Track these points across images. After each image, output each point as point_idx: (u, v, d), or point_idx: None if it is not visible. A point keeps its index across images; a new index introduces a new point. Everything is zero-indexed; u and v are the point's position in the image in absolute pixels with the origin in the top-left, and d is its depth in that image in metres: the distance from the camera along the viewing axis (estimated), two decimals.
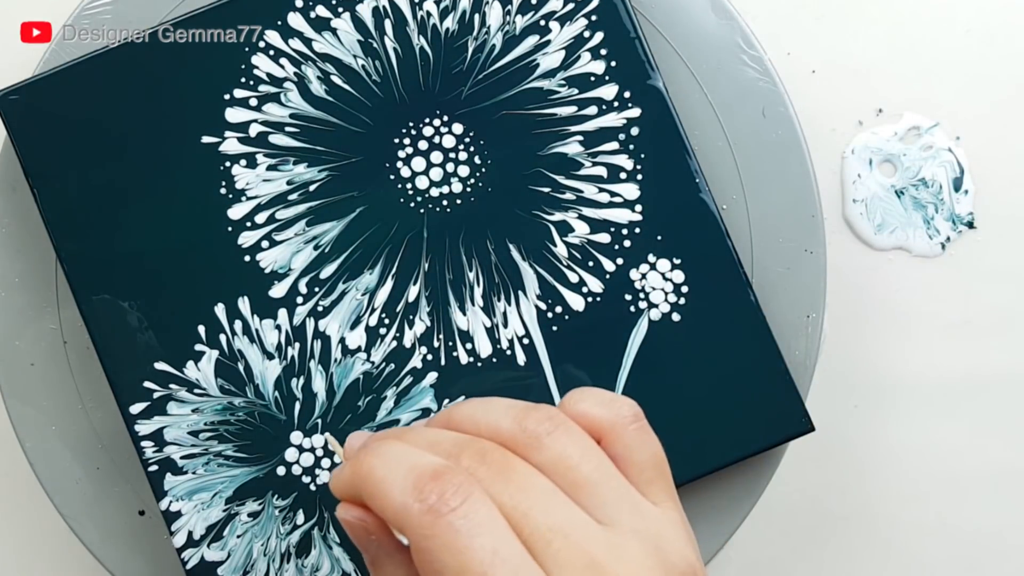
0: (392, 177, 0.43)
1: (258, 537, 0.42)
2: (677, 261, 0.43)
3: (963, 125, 0.49)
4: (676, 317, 0.43)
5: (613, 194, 0.43)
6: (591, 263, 0.43)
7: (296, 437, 0.42)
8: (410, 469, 0.28)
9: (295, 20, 0.43)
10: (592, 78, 0.43)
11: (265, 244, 0.43)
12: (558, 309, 0.43)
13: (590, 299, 0.43)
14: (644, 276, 0.43)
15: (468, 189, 0.43)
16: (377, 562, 0.30)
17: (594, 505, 0.28)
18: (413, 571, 0.28)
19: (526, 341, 0.43)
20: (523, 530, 0.27)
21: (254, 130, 0.43)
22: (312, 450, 0.42)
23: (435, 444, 0.29)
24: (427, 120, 0.43)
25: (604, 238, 0.43)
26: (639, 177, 0.43)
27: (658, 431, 0.42)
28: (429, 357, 0.42)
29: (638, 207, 0.43)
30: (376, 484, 0.28)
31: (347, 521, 0.29)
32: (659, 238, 0.43)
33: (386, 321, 0.43)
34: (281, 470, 0.42)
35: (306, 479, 0.42)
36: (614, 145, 0.43)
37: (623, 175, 0.43)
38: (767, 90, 0.45)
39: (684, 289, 0.43)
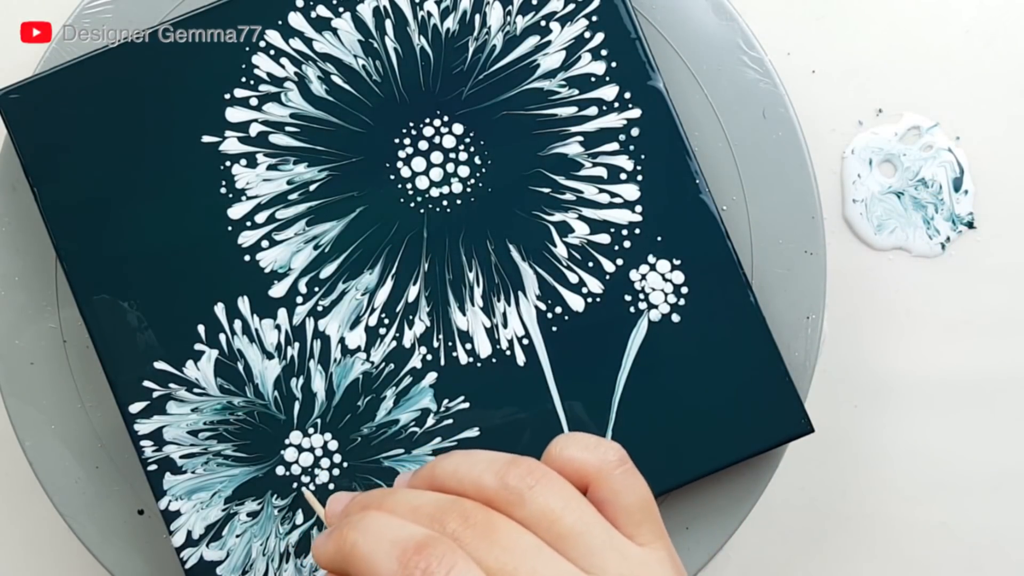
0: (392, 177, 0.43)
1: (257, 537, 0.42)
2: (677, 262, 0.43)
3: (963, 125, 0.49)
4: (676, 318, 0.43)
5: (613, 195, 0.43)
6: (591, 264, 0.43)
7: (295, 437, 0.42)
8: (393, 543, 0.27)
9: (296, 20, 0.43)
10: (592, 79, 0.43)
11: (265, 244, 0.43)
12: (558, 310, 0.43)
13: (590, 300, 0.43)
14: (644, 277, 0.43)
15: (468, 189, 0.43)
16: None
17: (580, 555, 0.28)
18: None
19: (526, 342, 0.43)
20: None
21: (254, 130, 0.43)
22: (311, 450, 0.42)
23: (417, 509, 0.29)
24: (427, 120, 0.43)
25: (604, 239, 0.43)
26: (639, 178, 0.43)
27: (658, 432, 0.42)
28: (429, 357, 0.42)
29: (638, 208, 0.43)
30: (361, 560, 0.28)
31: None
32: (659, 239, 0.43)
33: (386, 321, 0.43)
34: (280, 470, 0.42)
35: (305, 479, 0.42)
36: (614, 146, 0.43)
37: (623, 176, 0.43)
38: (767, 91, 0.45)
39: (684, 290, 0.43)
